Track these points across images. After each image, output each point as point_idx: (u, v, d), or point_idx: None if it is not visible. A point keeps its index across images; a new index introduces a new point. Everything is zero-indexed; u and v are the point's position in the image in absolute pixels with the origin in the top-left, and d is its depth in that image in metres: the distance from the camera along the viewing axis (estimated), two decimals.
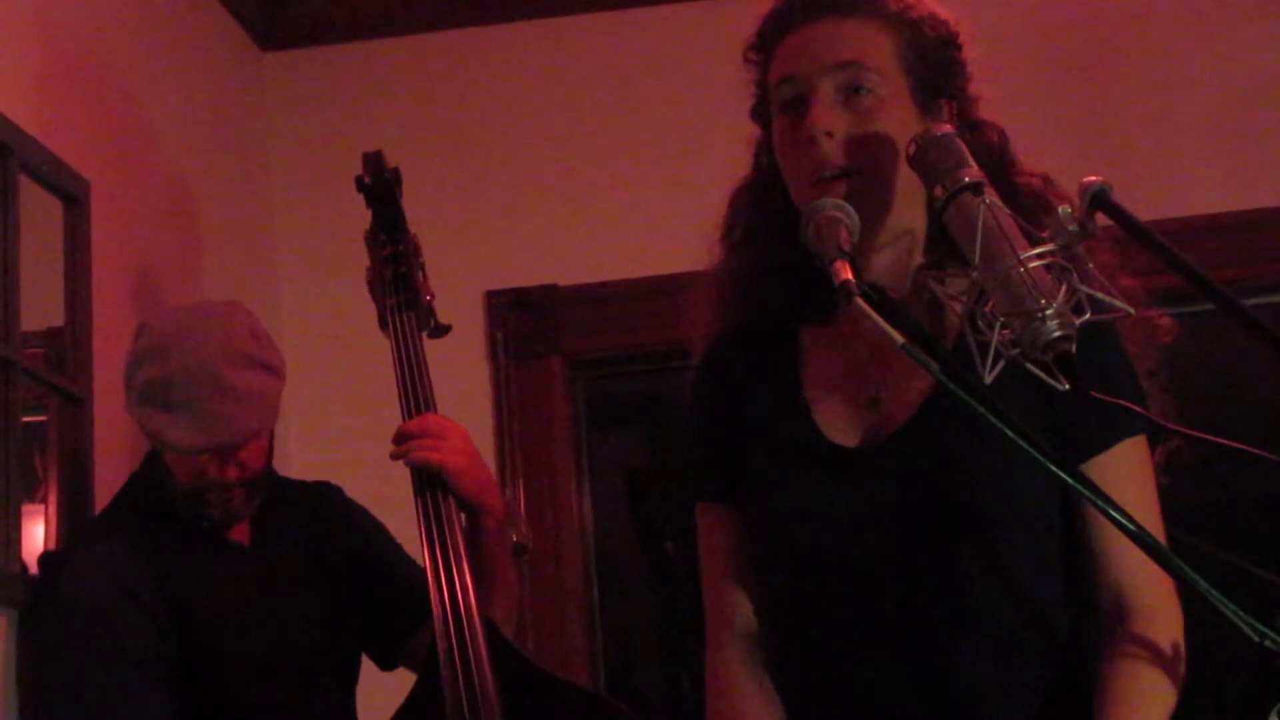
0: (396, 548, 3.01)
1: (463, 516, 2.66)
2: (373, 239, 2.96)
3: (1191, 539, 1.98)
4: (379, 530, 3.03)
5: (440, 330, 2.90)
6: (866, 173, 1.91)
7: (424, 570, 2.59)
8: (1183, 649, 1.84)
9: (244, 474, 2.77)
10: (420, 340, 2.81)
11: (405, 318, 2.84)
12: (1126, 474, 1.87)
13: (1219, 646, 1.73)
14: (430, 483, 2.64)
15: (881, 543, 1.89)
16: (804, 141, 1.92)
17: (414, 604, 2.76)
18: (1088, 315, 1.65)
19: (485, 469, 2.74)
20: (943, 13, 2.03)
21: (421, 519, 2.62)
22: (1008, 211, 1.71)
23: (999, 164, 1.96)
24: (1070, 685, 1.87)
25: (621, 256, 4.13)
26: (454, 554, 2.57)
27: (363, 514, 3.05)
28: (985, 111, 2.05)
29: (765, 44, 2.03)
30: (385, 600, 2.93)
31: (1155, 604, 1.84)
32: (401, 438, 2.66)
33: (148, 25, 3.70)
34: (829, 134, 1.91)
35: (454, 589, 2.54)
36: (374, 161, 2.97)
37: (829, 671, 1.93)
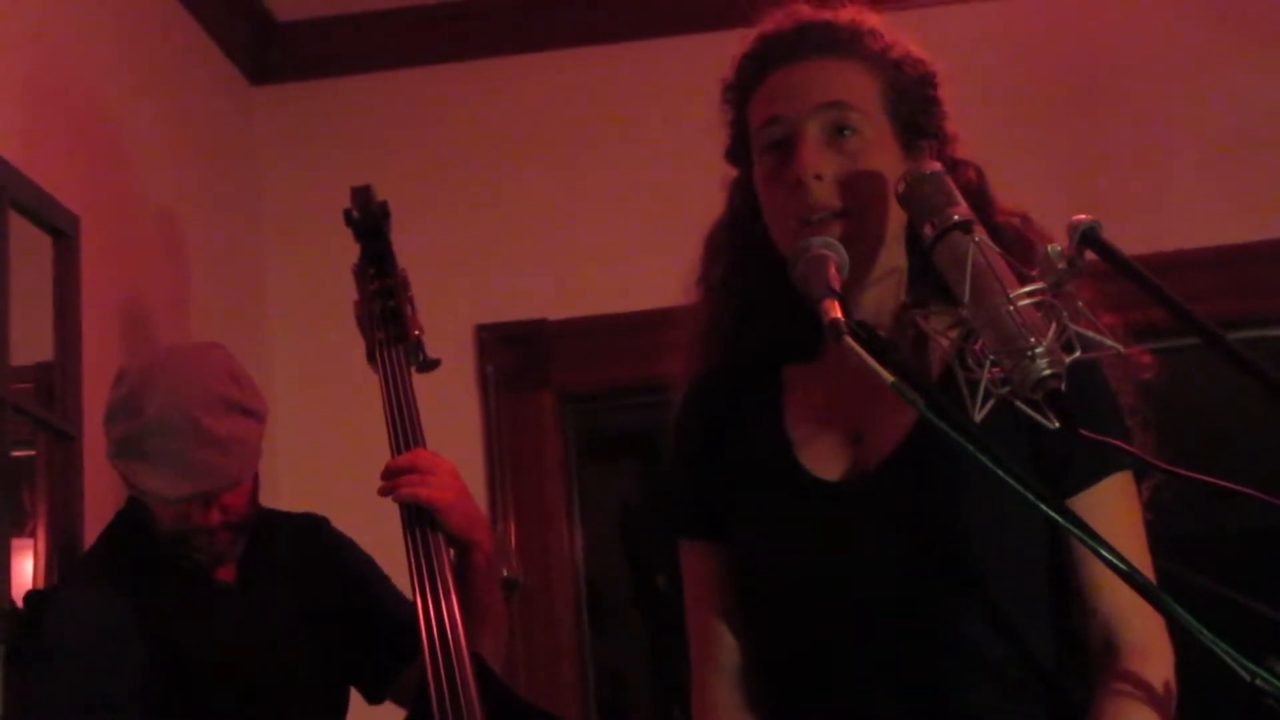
0: (385, 581, 2.99)
1: (452, 552, 2.65)
2: (361, 273, 2.94)
3: (1184, 570, 1.98)
4: (368, 564, 3.02)
5: (429, 365, 2.88)
6: (856, 215, 1.90)
7: (413, 604, 2.59)
8: (1173, 685, 1.83)
9: (228, 517, 2.76)
10: (409, 375, 2.80)
11: (393, 352, 2.83)
12: (1114, 509, 1.87)
13: (1211, 681, 1.73)
14: (419, 519, 2.62)
15: (865, 576, 1.88)
16: (792, 184, 1.91)
17: (403, 640, 2.74)
18: (1077, 353, 1.65)
19: (474, 504, 2.74)
20: (918, 51, 2.02)
21: (410, 555, 2.61)
22: (997, 250, 1.71)
23: (978, 203, 1.94)
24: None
25: (612, 291, 4.13)
26: (443, 589, 2.56)
27: (351, 547, 3.03)
28: (976, 146, 2.05)
29: (744, 84, 2.01)
30: (374, 636, 2.91)
31: (1145, 640, 1.83)
32: (390, 474, 2.65)
33: (137, 60, 3.70)
34: (819, 177, 1.89)
35: (443, 624, 2.53)
36: (362, 195, 2.96)
37: (817, 707, 1.91)
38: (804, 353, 2.02)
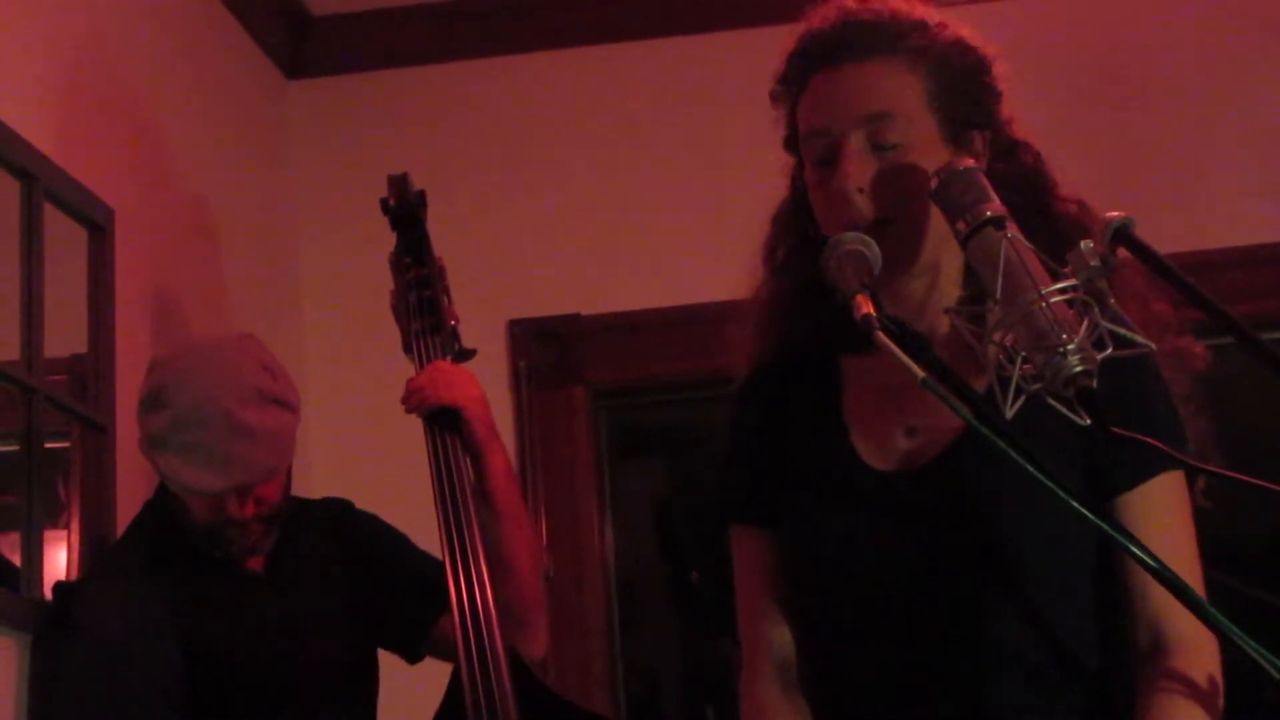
0: (410, 544, 3.00)
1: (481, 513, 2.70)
2: (397, 262, 2.95)
3: (1221, 575, 1.97)
4: (392, 532, 3.03)
5: (464, 355, 2.89)
6: (900, 221, 1.89)
7: (441, 564, 2.62)
8: (1220, 681, 1.82)
9: (261, 509, 2.76)
10: None
11: (429, 342, 2.85)
12: (1160, 510, 1.86)
13: (1247, 681, 1.72)
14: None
15: (912, 571, 1.88)
16: (836, 196, 1.90)
17: (433, 592, 2.74)
18: (1109, 350, 1.64)
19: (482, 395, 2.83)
20: (970, 36, 1.99)
21: (442, 526, 2.66)
22: (1030, 246, 1.70)
23: (1034, 188, 1.94)
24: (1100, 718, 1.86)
25: (645, 286, 4.13)
26: (478, 580, 2.59)
27: (375, 520, 3.04)
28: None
29: (791, 83, 2.00)
30: (404, 592, 2.91)
31: (1192, 637, 1.81)
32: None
33: (173, 54, 3.71)
34: (860, 190, 1.89)
35: (478, 620, 2.55)
36: (399, 184, 2.96)
37: (859, 701, 1.92)
38: (861, 344, 2.01)
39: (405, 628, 2.92)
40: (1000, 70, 2.00)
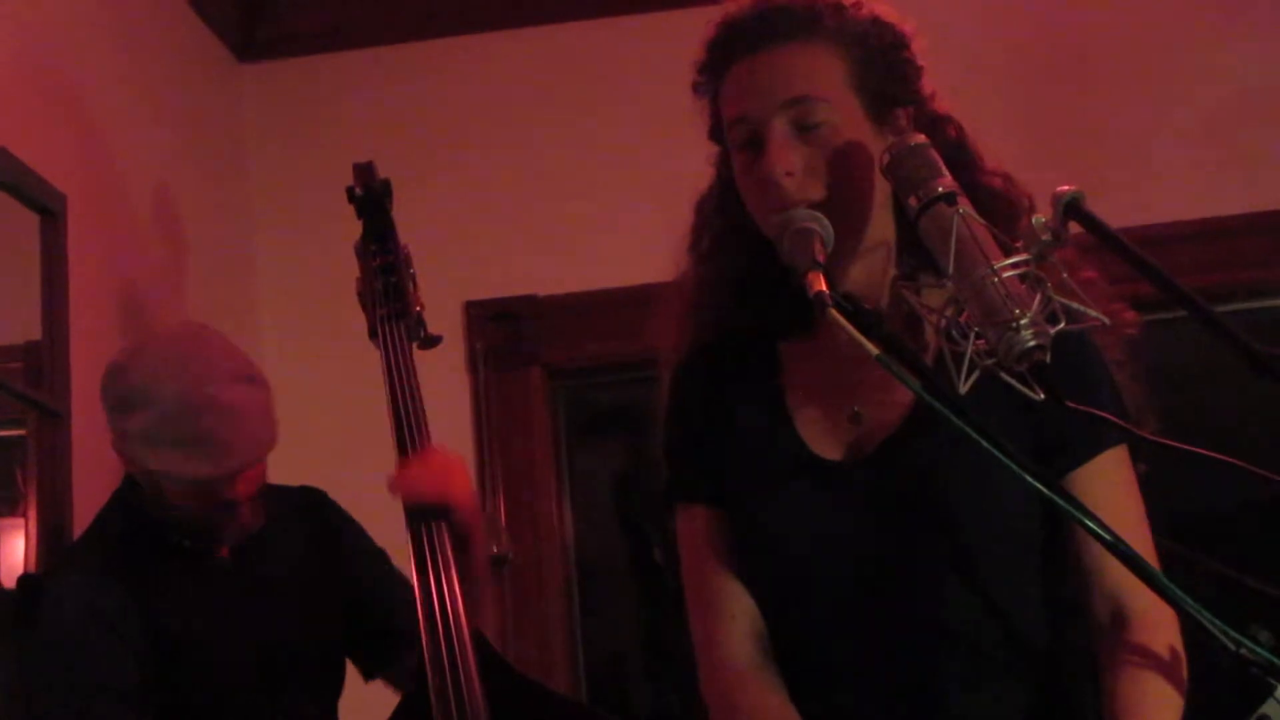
0: (386, 561, 2.99)
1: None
2: (363, 250, 2.95)
3: (1174, 545, 1.99)
4: (369, 544, 3.02)
5: (430, 341, 2.89)
6: (833, 201, 1.89)
7: (408, 585, 2.59)
8: (1181, 652, 1.83)
9: (250, 489, 2.75)
10: (410, 351, 2.82)
11: (395, 328, 2.84)
12: (1109, 485, 1.88)
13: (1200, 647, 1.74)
14: (425, 514, 2.62)
15: (864, 557, 1.89)
16: (765, 181, 1.90)
17: (398, 631, 2.74)
18: (1062, 324, 1.65)
19: (472, 489, 2.74)
20: (886, 14, 1.99)
21: (412, 534, 2.61)
22: (982, 222, 1.71)
23: (958, 160, 1.92)
24: (1050, 699, 1.88)
25: (601, 267, 4.13)
26: (443, 565, 2.57)
27: (352, 526, 3.04)
28: (960, 120, 2.04)
29: (711, 73, 2.00)
30: (375, 618, 2.92)
31: (1153, 609, 1.82)
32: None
33: (124, 37, 3.69)
34: (789, 174, 1.89)
35: (444, 601, 2.54)
36: (365, 172, 2.97)
37: (810, 685, 1.93)
38: (799, 329, 2.02)
39: (369, 651, 2.94)
40: (919, 46, 2.00)
